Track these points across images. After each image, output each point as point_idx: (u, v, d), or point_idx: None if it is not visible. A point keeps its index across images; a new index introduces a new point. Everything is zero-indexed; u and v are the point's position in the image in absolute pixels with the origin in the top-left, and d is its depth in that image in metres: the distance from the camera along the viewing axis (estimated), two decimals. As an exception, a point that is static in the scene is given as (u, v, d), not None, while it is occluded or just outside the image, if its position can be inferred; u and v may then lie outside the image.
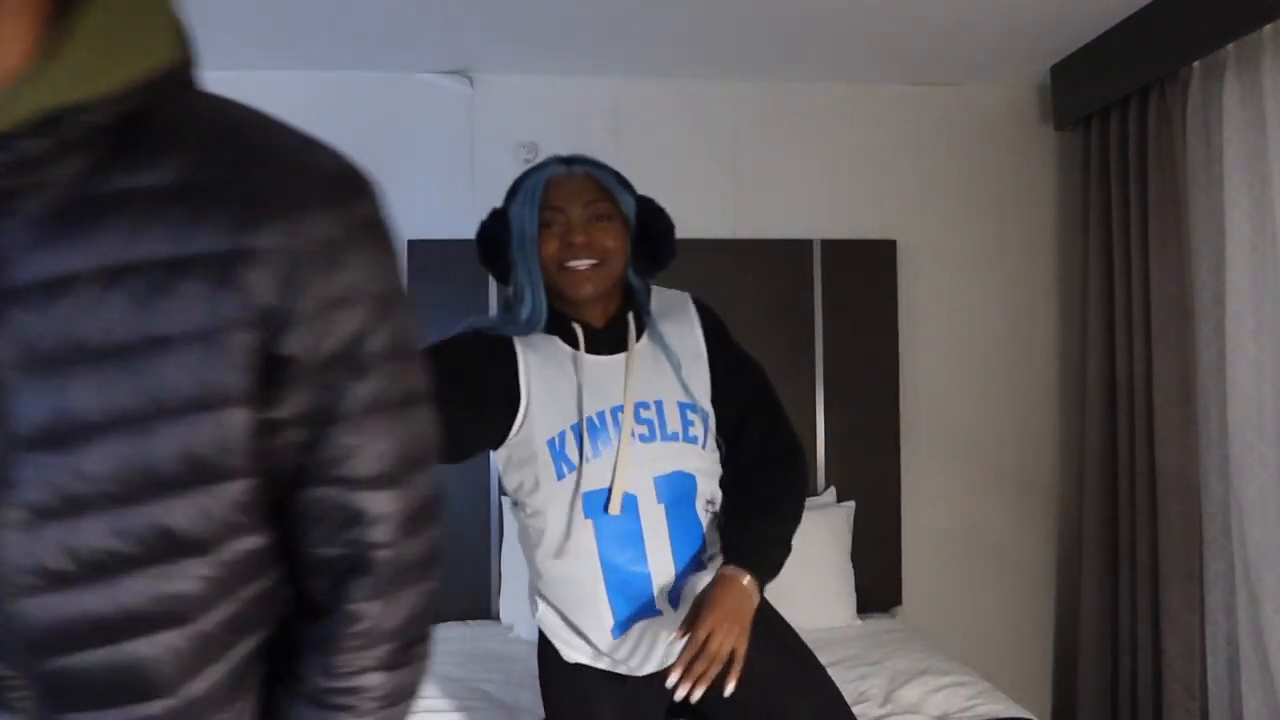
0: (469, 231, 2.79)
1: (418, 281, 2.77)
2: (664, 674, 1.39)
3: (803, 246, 2.89)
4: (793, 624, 1.63)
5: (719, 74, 2.91)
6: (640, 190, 1.50)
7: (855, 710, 1.97)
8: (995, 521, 3.02)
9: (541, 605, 1.51)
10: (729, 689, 1.30)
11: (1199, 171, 2.42)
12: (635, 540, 1.42)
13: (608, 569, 1.41)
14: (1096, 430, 2.72)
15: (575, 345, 1.44)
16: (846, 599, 2.68)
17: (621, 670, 1.48)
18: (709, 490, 1.49)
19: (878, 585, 2.85)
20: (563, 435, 1.40)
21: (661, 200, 1.52)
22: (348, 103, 2.87)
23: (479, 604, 2.73)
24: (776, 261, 2.87)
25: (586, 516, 1.40)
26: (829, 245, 2.90)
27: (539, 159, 1.57)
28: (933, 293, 3.01)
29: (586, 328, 1.45)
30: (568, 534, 1.40)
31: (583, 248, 1.40)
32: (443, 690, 2.06)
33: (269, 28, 2.54)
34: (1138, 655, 2.53)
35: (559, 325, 1.46)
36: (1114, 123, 2.65)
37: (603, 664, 1.48)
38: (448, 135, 2.89)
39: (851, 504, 2.84)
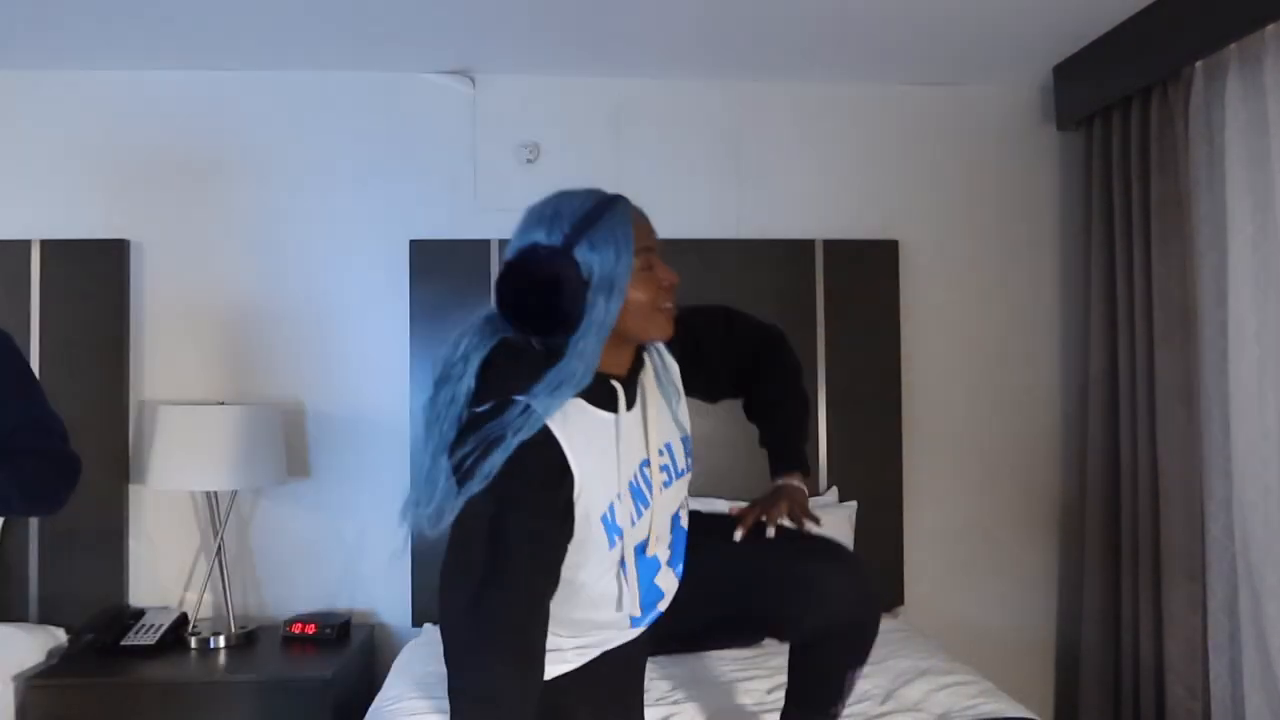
0: (470, 231, 2.85)
1: (418, 281, 2.78)
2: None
3: (805, 246, 2.90)
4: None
5: (719, 74, 2.91)
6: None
7: (856, 710, 1.97)
8: (997, 521, 3.01)
9: None
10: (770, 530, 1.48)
11: (1201, 171, 2.41)
12: (656, 567, 1.46)
13: (644, 596, 1.44)
14: (1099, 431, 2.72)
15: (612, 407, 1.35)
16: (848, 599, 2.68)
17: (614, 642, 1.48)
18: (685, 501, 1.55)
19: (880, 585, 2.84)
20: (612, 507, 1.34)
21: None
22: (350, 103, 2.88)
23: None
24: (779, 261, 2.87)
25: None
26: (831, 245, 2.90)
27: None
28: (935, 293, 3.01)
29: (621, 382, 1.38)
30: (609, 588, 1.39)
31: (674, 288, 1.35)
32: (445, 689, 2.05)
33: (272, 28, 2.55)
34: (1140, 655, 2.53)
35: (591, 385, 1.32)
36: (1116, 123, 2.65)
37: (578, 653, 1.46)
38: (449, 135, 2.90)
39: (854, 504, 2.84)
